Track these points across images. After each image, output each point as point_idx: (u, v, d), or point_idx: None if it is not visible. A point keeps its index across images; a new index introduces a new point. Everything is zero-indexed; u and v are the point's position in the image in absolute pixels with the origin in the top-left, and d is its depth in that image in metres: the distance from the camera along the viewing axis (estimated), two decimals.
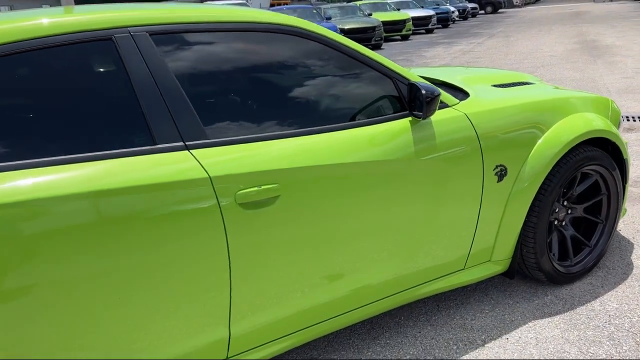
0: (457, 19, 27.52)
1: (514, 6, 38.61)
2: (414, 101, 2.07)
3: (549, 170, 2.39)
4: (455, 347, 2.25)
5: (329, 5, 18.41)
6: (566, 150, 2.42)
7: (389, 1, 21.18)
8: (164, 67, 1.73)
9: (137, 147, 1.63)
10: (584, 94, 2.73)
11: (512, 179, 2.34)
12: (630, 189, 3.80)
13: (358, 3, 19.03)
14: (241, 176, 1.71)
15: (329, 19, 14.77)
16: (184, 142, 1.70)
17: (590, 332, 2.30)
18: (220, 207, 1.68)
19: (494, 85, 2.73)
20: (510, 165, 2.32)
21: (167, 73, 1.73)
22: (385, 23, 17.20)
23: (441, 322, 2.43)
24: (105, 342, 1.58)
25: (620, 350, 2.16)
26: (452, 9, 25.29)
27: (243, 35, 1.93)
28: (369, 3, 19.71)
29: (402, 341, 2.31)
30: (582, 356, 2.15)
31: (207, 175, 1.67)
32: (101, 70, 1.71)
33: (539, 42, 14.36)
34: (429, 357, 2.19)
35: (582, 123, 2.51)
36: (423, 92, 1.99)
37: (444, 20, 23.37)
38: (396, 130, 2.06)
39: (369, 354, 2.23)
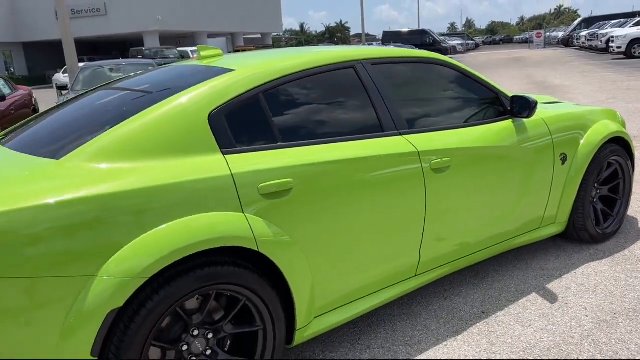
0: None
1: (457, 52, 41.54)
2: (515, 107, 3.13)
3: (590, 160, 3.48)
4: (541, 279, 3.24)
5: None
6: (599, 146, 3.53)
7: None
8: (380, 81, 2.72)
9: (375, 135, 2.58)
10: (600, 108, 3.87)
11: (569, 164, 3.41)
12: None
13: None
14: (433, 152, 2.69)
15: None
16: (398, 131, 2.67)
17: (629, 266, 3.35)
18: (422, 170, 2.64)
19: (543, 103, 3.83)
20: (568, 154, 3.39)
21: (382, 85, 2.71)
22: None
23: (524, 267, 3.42)
24: (366, 254, 2.49)
25: None
26: None
27: (415, 65, 2.96)
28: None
29: (502, 279, 3.28)
30: (630, 280, 3.18)
31: (416, 150, 2.64)
32: (350, 86, 2.66)
33: (497, 82, 16.03)
34: (523, 285, 3.16)
35: (606, 128, 3.63)
36: (530, 100, 3.05)
37: None
38: (506, 126, 3.09)
39: (489, 291, 3.19)
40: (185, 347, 2.05)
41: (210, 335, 2.12)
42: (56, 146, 2.13)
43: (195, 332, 2.08)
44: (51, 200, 1.76)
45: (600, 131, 3.58)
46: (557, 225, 3.52)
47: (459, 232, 2.90)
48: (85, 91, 3.11)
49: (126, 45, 39.39)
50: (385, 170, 2.52)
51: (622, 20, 31.29)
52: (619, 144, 3.79)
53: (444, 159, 2.72)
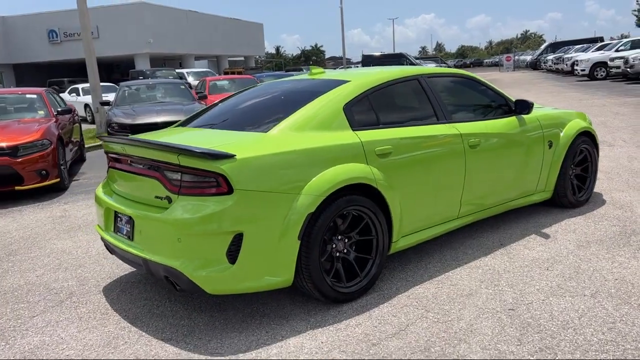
0: None
1: None
2: (518, 108, 4.59)
3: (568, 147, 4.96)
4: (538, 227, 4.66)
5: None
6: (574, 137, 5.01)
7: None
8: (434, 89, 4.15)
9: (429, 122, 4.00)
10: (573, 110, 5.37)
11: (553, 149, 4.87)
12: None
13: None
14: (469, 134, 4.11)
15: None
16: (447, 120, 4.09)
17: (596, 219, 4.80)
18: (463, 146, 4.06)
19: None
20: (553, 141, 4.86)
21: (435, 90, 4.14)
22: None
23: (526, 221, 4.85)
24: (451, 201, 3.89)
25: (615, 225, 4.67)
26: None
27: (451, 79, 4.42)
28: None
29: (510, 227, 4.70)
30: (597, 226, 4.62)
31: (459, 133, 4.06)
32: (416, 91, 4.09)
33: None
34: (526, 230, 4.58)
35: (578, 124, 5.12)
36: (529, 102, 4.51)
37: None
38: (511, 120, 4.55)
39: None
40: (334, 246, 3.40)
41: (346, 240, 3.47)
42: (258, 125, 3.51)
43: (339, 237, 3.43)
44: (282, 150, 3.14)
45: (574, 126, 5.07)
46: (546, 193, 4.97)
47: (484, 192, 4.31)
48: (239, 91, 4.52)
49: (113, 67, 40.44)
50: (442, 144, 3.94)
51: (585, 45, 33.78)
52: (588, 136, 5.28)
53: (476, 140, 4.15)
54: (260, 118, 3.76)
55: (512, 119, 4.59)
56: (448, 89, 4.38)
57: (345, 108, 3.60)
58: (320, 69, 4.39)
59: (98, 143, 12.61)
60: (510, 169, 4.50)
